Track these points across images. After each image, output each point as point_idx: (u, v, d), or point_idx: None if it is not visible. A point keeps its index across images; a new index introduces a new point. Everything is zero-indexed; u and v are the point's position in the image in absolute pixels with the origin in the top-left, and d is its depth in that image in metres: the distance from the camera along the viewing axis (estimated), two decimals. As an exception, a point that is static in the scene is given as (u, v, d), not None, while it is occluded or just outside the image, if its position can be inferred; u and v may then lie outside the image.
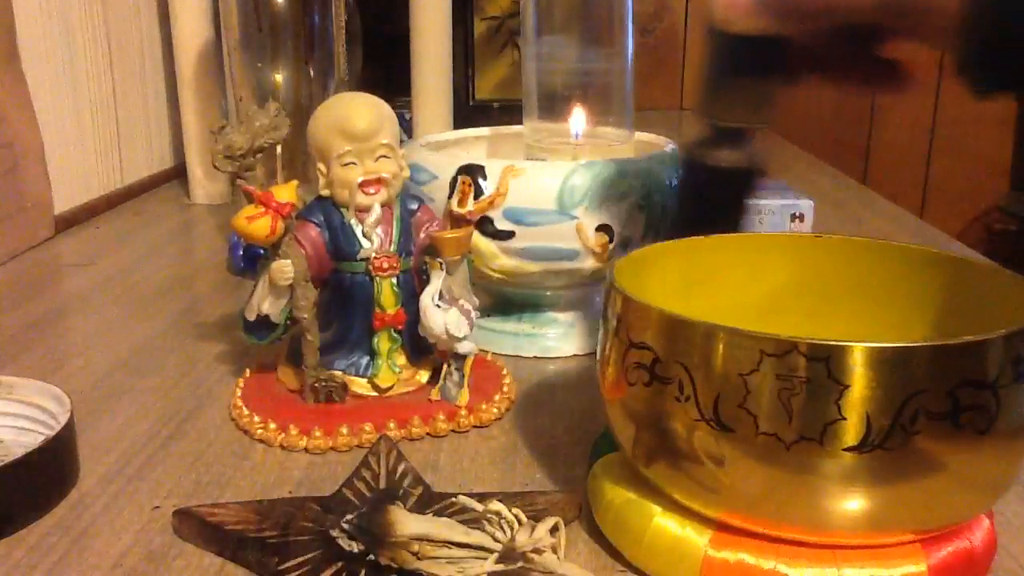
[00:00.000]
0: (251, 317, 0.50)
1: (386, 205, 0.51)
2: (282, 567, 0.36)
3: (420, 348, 0.53)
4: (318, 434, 0.48)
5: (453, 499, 0.39)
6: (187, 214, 1.02)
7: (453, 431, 0.50)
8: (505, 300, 0.62)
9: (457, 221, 0.56)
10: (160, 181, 1.14)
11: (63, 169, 0.93)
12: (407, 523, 0.35)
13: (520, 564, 0.35)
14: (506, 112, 1.12)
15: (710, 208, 0.50)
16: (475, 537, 0.35)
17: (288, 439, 0.48)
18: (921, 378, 0.31)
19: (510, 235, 0.56)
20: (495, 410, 0.51)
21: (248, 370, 0.55)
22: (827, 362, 0.31)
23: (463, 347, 0.51)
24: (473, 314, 0.51)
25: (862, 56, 0.44)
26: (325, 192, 0.50)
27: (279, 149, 0.78)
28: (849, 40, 0.42)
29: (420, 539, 0.35)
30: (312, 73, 0.84)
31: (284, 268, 0.48)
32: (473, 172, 0.56)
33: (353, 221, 0.50)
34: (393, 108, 0.51)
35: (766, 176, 0.48)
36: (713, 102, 0.47)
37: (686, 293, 0.44)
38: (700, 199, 0.51)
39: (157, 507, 0.43)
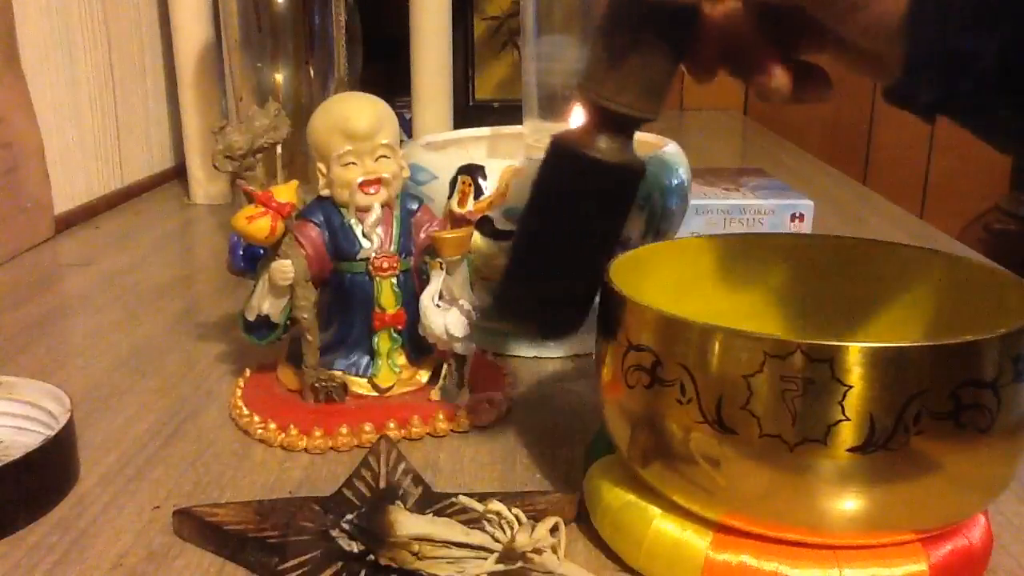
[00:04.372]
0: (251, 317, 0.50)
1: (386, 205, 0.51)
2: (282, 567, 0.36)
3: (420, 348, 0.53)
4: (318, 434, 0.48)
5: (453, 499, 0.39)
6: (187, 214, 1.02)
7: (453, 431, 0.50)
8: (505, 300, 0.62)
9: (457, 221, 0.56)
10: (160, 181, 1.14)
11: (63, 169, 0.93)
12: (407, 523, 0.35)
13: (520, 564, 0.35)
14: (506, 112, 1.12)
15: (575, 213, 0.39)
16: (475, 537, 0.35)
17: (288, 439, 0.48)
18: (923, 378, 0.31)
19: (510, 235, 0.56)
20: (495, 410, 0.51)
21: (248, 370, 0.55)
22: (830, 363, 0.31)
23: (463, 347, 0.51)
24: (473, 314, 0.51)
25: (773, 50, 0.36)
26: (325, 192, 0.50)
27: (279, 149, 0.78)
28: (767, 28, 0.36)
29: (420, 539, 0.35)
30: (312, 73, 0.84)
31: (284, 268, 0.48)
32: (473, 172, 0.56)
33: (353, 221, 0.50)
34: (393, 108, 0.51)
35: (641, 186, 0.39)
36: (604, 75, 0.37)
37: (684, 293, 0.44)
38: (564, 198, 0.39)
39: (157, 507, 0.43)
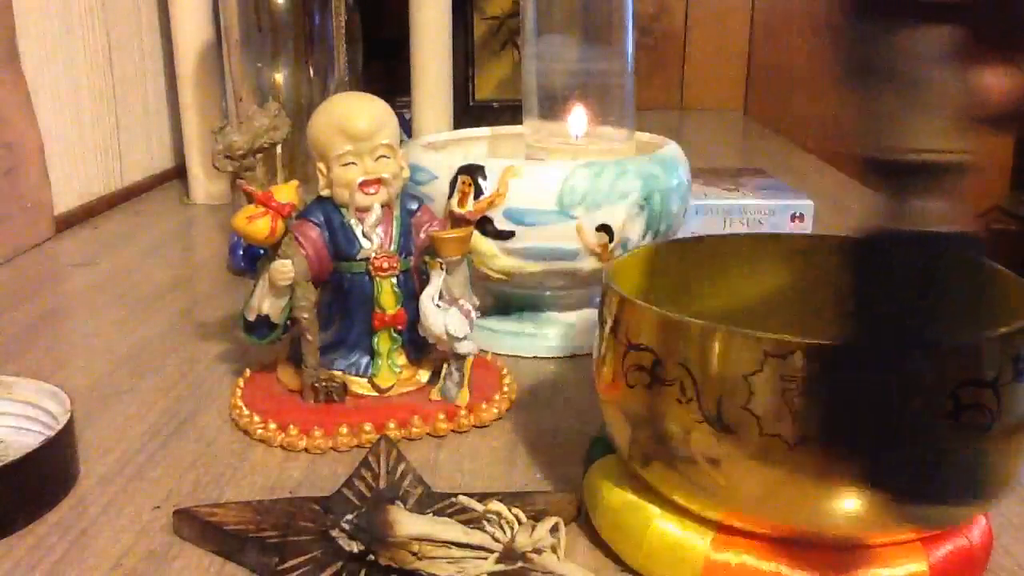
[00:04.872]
0: (251, 317, 0.50)
1: (386, 205, 0.51)
2: (282, 567, 0.36)
3: (420, 348, 0.53)
4: (318, 434, 0.48)
5: (453, 499, 0.39)
6: (187, 214, 1.02)
7: (453, 431, 0.50)
8: (505, 300, 0.62)
9: (457, 221, 0.56)
10: (160, 181, 1.14)
11: (63, 169, 0.93)
12: (407, 523, 0.35)
13: (520, 564, 0.35)
14: (506, 112, 1.12)
15: (918, 315, 0.27)
16: (475, 537, 0.35)
17: (288, 439, 0.48)
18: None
19: (510, 235, 0.56)
20: (495, 410, 0.51)
21: (248, 370, 0.55)
22: (829, 362, 0.31)
23: (463, 347, 0.51)
24: (473, 314, 0.51)
25: None
26: (325, 192, 0.50)
27: (279, 149, 0.78)
28: None
29: (420, 539, 0.35)
30: (312, 73, 0.84)
31: (284, 268, 0.48)
32: (473, 172, 0.56)
33: (353, 221, 0.50)
34: (393, 108, 0.51)
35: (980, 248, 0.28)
36: (899, 122, 0.27)
37: (684, 293, 0.44)
38: (901, 304, 0.27)
39: (157, 507, 0.43)
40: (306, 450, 0.48)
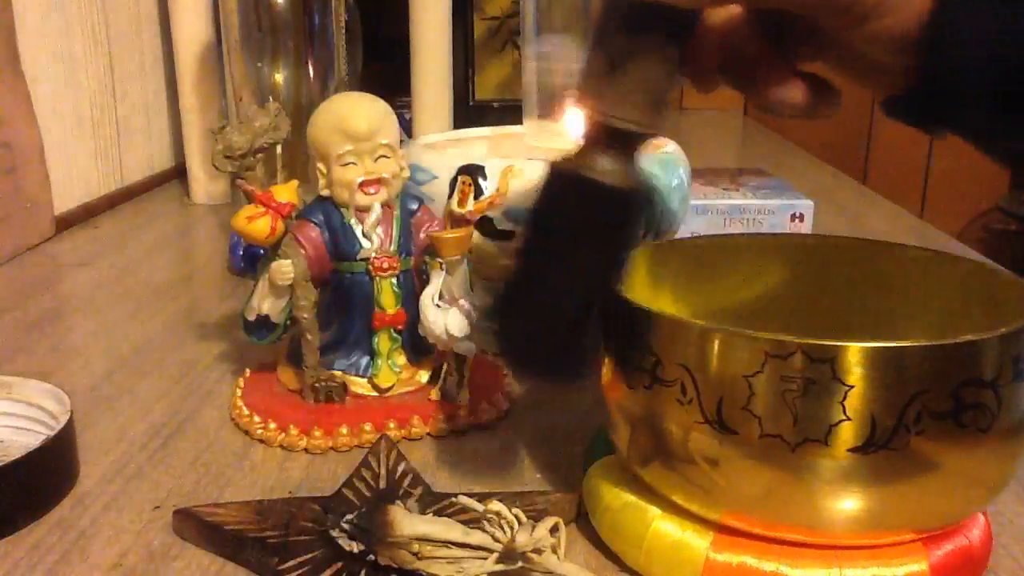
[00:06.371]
0: (251, 317, 0.50)
1: (386, 205, 0.51)
2: (282, 567, 0.36)
3: (420, 348, 0.53)
4: (318, 434, 0.48)
5: (453, 499, 0.39)
6: (187, 214, 1.02)
7: (453, 431, 0.50)
8: (505, 300, 0.62)
9: (457, 221, 0.56)
10: (160, 181, 1.14)
11: (63, 169, 0.93)
12: (407, 523, 0.35)
13: (520, 564, 0.35)
14: (506, 112, 1.12)
15: (574, 242, 0.35)
16: (475, 537, 0.35)
17: (288, 439, 0.48)
18: (924, 377, 0.31)
19: (510, 235, 0.56)
20: (495, 410, 0.51)
21: (248, 370, 0.55)
22: (831, 363, 0.31)
23: (463, 347, 0.51)
24: (473, 314, 0.51)
25: (779, 59, 0.35)
26: (325, 192, 0.50)
27: (279, 149, 0.78)
28: (770, 35, 0.35)
29: (420, 539, 0.35)
30: (312, 73, 0.84)
31: (284, 268, 0.48)
32: (473, 172, 0.56)
33: (353, 221, 0.50)
34: (393, 108, 0.51)
35: (650, 210, 0.38)
36: (602, 88, 0.33)
37: (684, 293, 0.44)
38: (563, 226, 0.36)
39: (157, 507, 0.43)
40: (306, 450, 0.48)
